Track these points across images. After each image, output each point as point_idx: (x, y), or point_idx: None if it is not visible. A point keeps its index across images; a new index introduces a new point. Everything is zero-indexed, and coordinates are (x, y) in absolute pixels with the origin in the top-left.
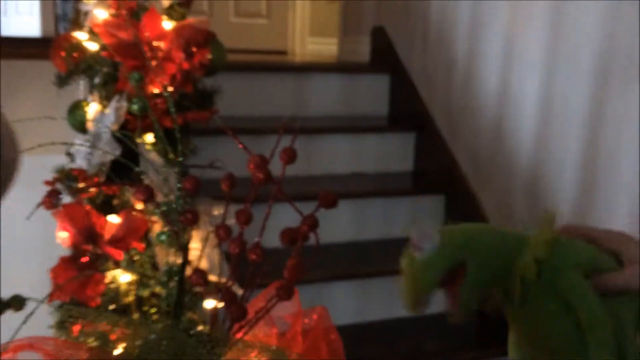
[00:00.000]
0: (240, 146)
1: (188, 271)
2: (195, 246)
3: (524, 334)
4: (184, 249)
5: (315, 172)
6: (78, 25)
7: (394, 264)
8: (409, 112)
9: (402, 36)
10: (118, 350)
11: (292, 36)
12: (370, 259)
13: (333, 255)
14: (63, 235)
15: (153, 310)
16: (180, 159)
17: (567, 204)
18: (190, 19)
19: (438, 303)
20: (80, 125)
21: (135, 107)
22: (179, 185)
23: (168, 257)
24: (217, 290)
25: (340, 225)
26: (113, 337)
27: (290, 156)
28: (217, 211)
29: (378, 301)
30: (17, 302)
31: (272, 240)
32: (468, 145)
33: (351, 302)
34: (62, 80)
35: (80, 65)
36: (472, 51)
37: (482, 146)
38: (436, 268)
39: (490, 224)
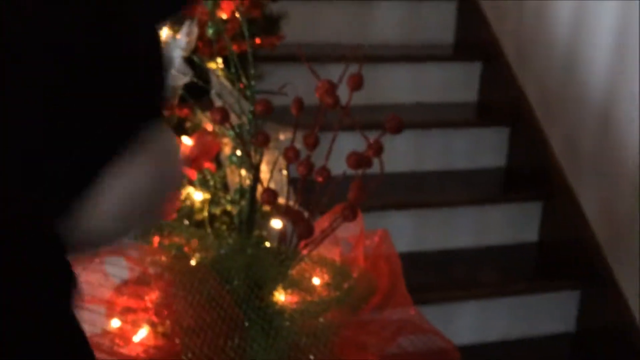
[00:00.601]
0: (312, 73)
1: (258, 190)
2: (263, 169)
3: None
4: (255, 169)
5: (377, 101)
6: None
7: (451, 196)
8: (476, 41)
9: None
10: (193, 262)
11: None
12: (429, 190)
13: (392, 184)
14: None
15: (224, 226)
16: (253, 82)
17: (635, 137)
18: None
19: (496, 234)
20: None
21: (211, 30)
22: (251, 108)
23: (238, 178)
24: (285, 211)
25: (399, 155)
26: (188, 249)
27: (357, 83)
28: (284, 136)
29: (435, 231)
30: None
31: (337, 166)
32: (537, 77)
33: (409, 231)
34: None
35: None
36: None
37: (552, 78)
38: None
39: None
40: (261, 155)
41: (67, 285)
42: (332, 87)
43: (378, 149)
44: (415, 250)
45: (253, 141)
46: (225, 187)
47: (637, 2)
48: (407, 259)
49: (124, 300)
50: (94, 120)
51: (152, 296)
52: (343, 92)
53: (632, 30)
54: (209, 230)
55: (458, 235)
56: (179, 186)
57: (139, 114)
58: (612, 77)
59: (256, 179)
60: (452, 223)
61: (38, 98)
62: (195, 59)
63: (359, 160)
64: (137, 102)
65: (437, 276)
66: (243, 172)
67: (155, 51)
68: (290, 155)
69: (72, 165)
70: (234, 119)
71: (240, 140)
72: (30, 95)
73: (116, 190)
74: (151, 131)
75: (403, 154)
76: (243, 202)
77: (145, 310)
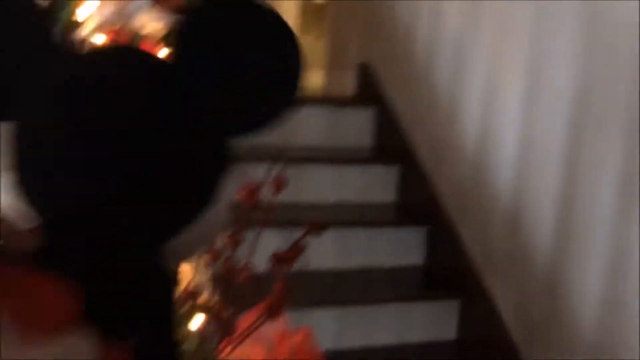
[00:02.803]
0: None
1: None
2: (186, 268)
3: None
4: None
5: (300, 200)
6: None
7: (373, 293)
8: (393, 145)
9: (387, 71)
10: None
11: None
12: (351, 287)
13: (315, 282)
14: None
15: None
16: None
17: (545, 238)
18: None
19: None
20: None
21: None
22: None
23: None
24: (205, 310)
25: (322, 252)
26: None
27: (280, 184)
28: None
29: (358, 328)
30: None
31: (262, 260)
32: (450, 180)
33: (332, 328)
34: None
35: None
36: (454, 87)
37: (464, 181)
38: None
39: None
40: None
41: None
42: (255, 189)
43: (299, 251)
44: (338, 347)
45: None
46: None
47: (538, 106)
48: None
49: None
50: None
51: None
52: (271, 189)
53: (535, 134)
54: None
55: (380, 332)
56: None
57: (218, 178)
58: (519, 178)
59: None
60: (374, 320)
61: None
62: None
63: (280, 260)
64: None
65: None
66: None
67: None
68: (213, 255)
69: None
70: None
71: None
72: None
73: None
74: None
75: (326, 251)
76: None
77: None
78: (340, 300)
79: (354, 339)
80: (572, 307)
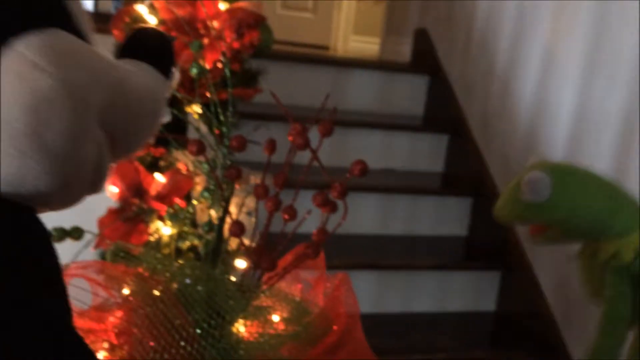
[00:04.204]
0: (285, 111)
1: (226, 223)
2: (232, 210)
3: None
4: (225, 201)
5: (347, 164)
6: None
7: (414, 260)
8: (444, 114)
9: (444, 40)
10: (157, 289)
11: (336, 32)
12: (393, 253)
13: (357, 245)
14: (113, 190)
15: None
16: (232, 119)
17: None
18: (244, 2)
19: (455, 302)
20: None
21: (195, 70)
22: (226, 143)
23: (207, 214)
24: (249, 248)
25: (366, 217)
26: (153, 276)
27: (327, 129)
28: (254, 180)
29: (396, 294)
30: (77, 232)
31: (305, 226)
32: (500, 152)
33: (371, 292)
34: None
35: None
36: (512, 60)
37: (514, 153)
38: (532, 215)
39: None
40: (232, 189)
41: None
42: (303, 129)
43: (343, 191)
44: (377, 312)
45: (225, 175)
46: (194, 224)
47: (597, 80)
48: (367, 320)
49: (84, 323)
50: None
51: (114, 320)
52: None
53: (590, 110)
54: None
55: (419, 299)
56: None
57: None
58: (571, 154)
59: (226, 210)
60: (414, 287)
61: None
62: (178, 95)
63: (324, 199)
64: None
65: (396, 339)
66: (212, 211)
67: None
68: (260, 191)
69: None
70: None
71: (212, 172)
72: None
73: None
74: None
75: (370, 217)
76: (210, 237)
77: (105, 332)
78: (382, 264)
79: (393, 304)
80: None
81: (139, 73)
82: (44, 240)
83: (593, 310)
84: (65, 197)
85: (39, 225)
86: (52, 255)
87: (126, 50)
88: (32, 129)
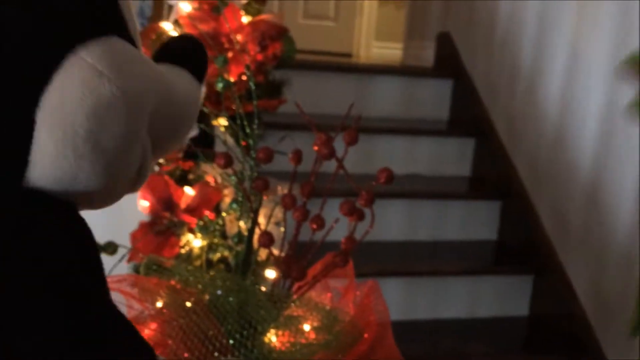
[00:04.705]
0: (308, 122)
1: (256, 234)
2: (260, 221)
3: None
4: (254, 212)
5: (372, 171)
6: (157, 21)
7: (443, 266)
8: (469, 117)
9: (467, 42)
10: (190, 301)
11: (358, 39)
12: (421, 259)
13: (385, 252)
14: (144, 204)
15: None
16: (257, 131)
17: (624, 214)
18: (266, 15)
19: (487, 306)
20: None
21: (220, 84)
22: (253, 154)
23: (237, 226)
24: (279, 258)
25: (393, 224)
26: (185, 289)
27: (352, 138)
28: (282, 190)
29: (425, 300)
30: (111, 247)
31: (332, 235)
32: (527, 153)
33: (400, 299)
34: None
35: None
36: (537, 59)
37: (541, 155)
38: None
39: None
40: (260, 200)
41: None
42: (328, 139)
43: (369, 199)
44: (405, 319)
45: (253, 186)
46: (224, 236)
47: (623, 82)
48: (397, 327)
49: None
50: None
51: (148, 332)
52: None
53: (618, 108)
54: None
55: (448, 305)
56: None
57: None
58: (600, 153)
59: (254, 222)
60: (443, 293)
61: None
62: (205, 109)
63: (351, 207)
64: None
65: (426, 346)
66: (241, 223)
67: None
68: (288, 201)
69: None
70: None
71: (240, 184)
72: None
73: (42, 125)
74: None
75: (397, 223)
76: (239, 248)
77: None
78: (410, 271)
79: (423, 311)
80: None
81: (179, 79)
82: (90, 236)
83: (627, 310)
84: (109, 196)
85: (83, 221)
86: (97, 251)
87: (162, 55)
88: (92, 134)
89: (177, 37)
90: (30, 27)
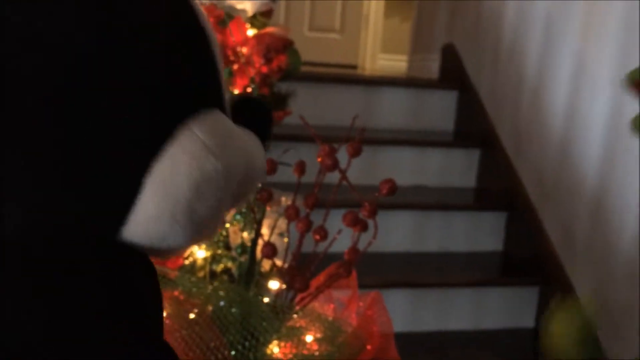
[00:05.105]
0: (313, 134)
1: (259, 245)
2: (264, 232)
3: None
4: (257, 223)
5: (379, 182)
6: None
7: (449, 277)
8: (475, 129)
9: (472, 54)
10: (193, 312)
11: (364, 51)
12: (427, 270)
13: (391, 263)
14: None
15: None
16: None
17: (630, 226)
18: (271, 28)
19: (493, 318)
20: None
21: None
22: None
23: (240, 237)
24: (282, 269)
25: (399, 235)
26: (188, 299)
27: (356, 149)
28: (285, 201)
29: (432, 312)
30: None
31: (335, 246)
32: (533, 165)
33: (406, 310)
34: None
35: None
36: (542, 70)
37: (547, 166)
38: None
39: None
40: (264, 211)
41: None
42: (332, 150)
43: (372, 210)
44: (411, 330)
45: (257, 197)
46: (227, 247)
47: (628, 94)
48: (402, 339)
49: None
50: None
51: None
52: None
53: (623, 120)
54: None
55: (455, 317)
56: (243, 175)
57: (168, 113)
58: (605, 166)
59: (258, 232)
60: (449, 304)
61: (66, 114)
62: None
63: (354, 218)
64: (164, 104)
65: (433, 358)
66: (245, 234)
67: (180, 42)
68: (291, 212)
69: (114, 172)
70: None
71: None
72: (61, 112)
73: (149, 190)
74: (185, 125)
75: (403, 234)
76: (243, 259)
77: None
78: (416, 282)
79: (429, 323)
80: None
81: (255, 145)
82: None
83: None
84: (183, 252)
85: (156, 272)
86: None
87: (236, 117)
88: (191, 203)
89: (248, 99)
90: (149, 97)
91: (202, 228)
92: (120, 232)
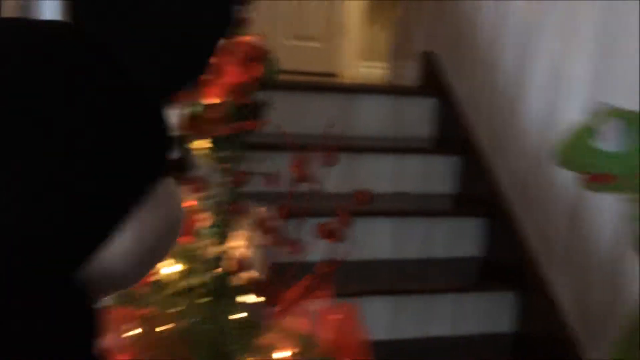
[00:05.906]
0: (289, 143)
1: (230, 260)
2: (239, 244)
3: None
4: (229, 235)
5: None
6: None
7: (430, 283)
8: (454, 135)
9: (452, 61)
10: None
11: (344, 59)
12: (408, 277)
13: (372, 271)
14: None
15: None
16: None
17: (606, 231)
18: (247, 36)
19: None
20: None
21: (199, 107)
22: (230, 177)
23: (213, 249)
24: (257, 286)
25: (380, 242)
26: (156, 321)
27: (331, 158)
28: (260, 212)
29: (413, 318)
30: None
31: (313, 255)
32: (511, 171)
33: (387, 318)
34: None
35: None
36: (519, 77)
37: (525, 172)
38: (603, 165)
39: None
40: (235, 224)
41: (89, 330)
42: (304, 161)
43: (346, 221)
44: (392, 338)
45: (230, 209)
46: (201, 260)
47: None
48: (384, 346)
49: None
50: (109, 182)
51: None
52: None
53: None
54: (183, 300)
55: (436, 323)
56: (180, 229)
57: (149, 172)
58: None
59: (229, 245)
60: (429, 311)
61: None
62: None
63: (328, 230)
64: (146, 163)
65: None
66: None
67: (160, 121)
68: (265, 226)
69: (88, 220)
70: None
71: (217, 207)
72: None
73: (127, 234)
74: (159, 183)
75: (384, 241)
76: (215, 273)
77: None
78: (397, 289)
79: (409, 329)
80: (635, 300)
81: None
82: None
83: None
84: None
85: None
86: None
87: None
88: (156, 250)
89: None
90: (139, 153)
91: (150, 271)
92: (80, 271)
